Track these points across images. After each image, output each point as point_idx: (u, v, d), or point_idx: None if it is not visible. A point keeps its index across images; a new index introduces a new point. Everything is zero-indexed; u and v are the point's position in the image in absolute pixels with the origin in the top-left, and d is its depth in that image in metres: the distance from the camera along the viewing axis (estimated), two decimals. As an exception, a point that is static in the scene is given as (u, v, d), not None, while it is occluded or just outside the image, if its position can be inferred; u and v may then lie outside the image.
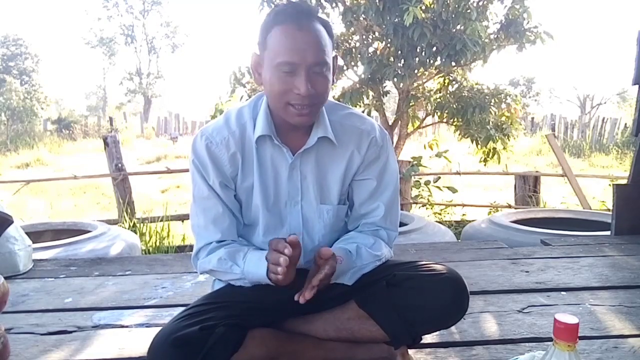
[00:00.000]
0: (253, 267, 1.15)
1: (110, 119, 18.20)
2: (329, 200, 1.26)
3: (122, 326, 1.70)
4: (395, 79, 4.50)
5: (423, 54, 4.40)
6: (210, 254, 1.21)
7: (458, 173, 5.63)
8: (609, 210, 4.01)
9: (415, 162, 4.82)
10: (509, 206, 5.17)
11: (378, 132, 1.28)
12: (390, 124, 5.14)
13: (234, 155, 1.20)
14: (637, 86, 2.87)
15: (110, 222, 3.90)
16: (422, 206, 5.33)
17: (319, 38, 1.10)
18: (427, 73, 4.82)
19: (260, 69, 1.15)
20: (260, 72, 1.16)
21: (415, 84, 4.89)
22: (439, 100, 4.90)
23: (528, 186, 5.30)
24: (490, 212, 5.20)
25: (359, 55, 4.78)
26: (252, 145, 1.20)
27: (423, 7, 4.13)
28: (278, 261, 1.04)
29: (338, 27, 4.92)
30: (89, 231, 3.20)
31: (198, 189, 1.23)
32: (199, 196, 1.23)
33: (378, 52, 4.70)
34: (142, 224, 4.53)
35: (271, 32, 1.10)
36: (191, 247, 4.39)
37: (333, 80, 1.20)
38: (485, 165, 5.08)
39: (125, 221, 4.68)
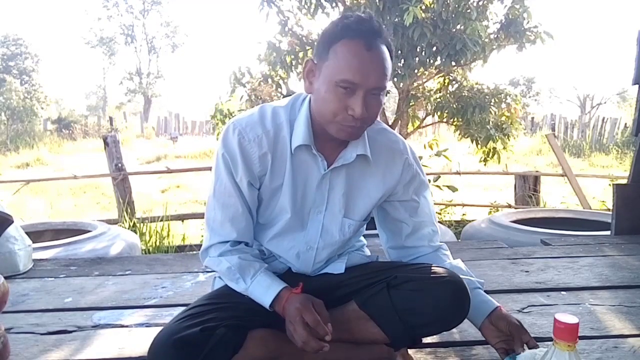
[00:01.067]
0: (259, 292, 1.14)
1: (110, 119, 18.23)
2: (352, 215, 1.26)
3: (122, 326, 1.69)
4: (395, 79, 4.50)
5: (423, 53, 4.40)
6: (221, 256, 1.19)
7: (458, 173, 5.63)
8: (609, 210, 4.01)
9: (415, 162, 4.81)
10: (509, 206, 5.17)
11: (410, 152, 1.29)
12: (390, 123, 5.13)
13: (264, 155, 1.17)
14: (637, 86, 2.87)
15: (110, 222, 3.90)
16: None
17: (384, 62, 1.07)
18: (427, 73, 4.82)
19: (314, 77, 1.12)
20: (312, 81, 1.13)
21: (415, 84, 4.89)
22: (439, 100, 4.89)
23: (528, 186, 5.30)
24: (490, 212, 5.20)
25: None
26: (286, 148, 1.18)
27: (423, 7, 4.13)
28: (320, 348, 1.05)
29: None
30: (89, 231, 3.20)
31: (221, 183, 1.19)
32: (220, 191, 1.20)
33: (378, 52, 4.69)
34: (142, 224, 4.53)
35: (337, 45, 1.07)
36: (191, 247, 4.38)
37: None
38: (485, 165, 5.08)
39: (125, 221, 4.68)
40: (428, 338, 1.45)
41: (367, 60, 1.05)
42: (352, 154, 1.19)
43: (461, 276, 1.25)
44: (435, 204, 5.32)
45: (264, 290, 1.14)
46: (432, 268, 1.21)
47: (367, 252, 1.42)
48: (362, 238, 1.42)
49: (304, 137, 1.15)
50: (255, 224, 1.26)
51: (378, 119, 1.23)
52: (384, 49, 1.08)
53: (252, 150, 1.16)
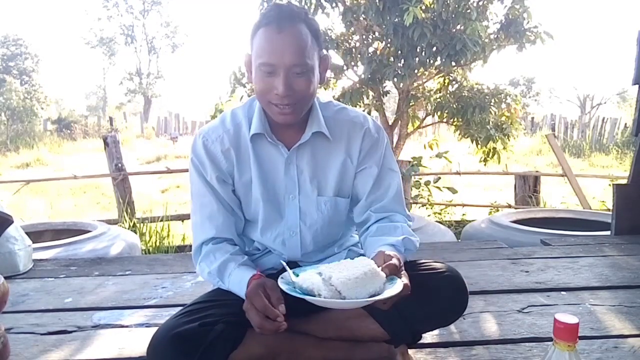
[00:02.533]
0: (238, 289, 1.16)
1: (110, 119, 18.22)
2: (325, 192, 1.28)
3: (122, 326, 1.70)
4: (395, 79, 4.50)
5: (423, 54, 4.40)
6: (203, 262, 1.23)
7: (458, 173, 5.63)
8: (609, 210, 4.01)
9: (415, 162, 4.82)
10: (509, 206, 5.17)
11: (371, 124, 1.31)
12: (390, 124, 5.14)
13: (228, 151, 1.25)
14: (637, 86, 2.88)
15: (110, 222, 3.90)
16: (422, 206, 5.33)
17: (298, 40, 1.12)
18: (427, 73, 4.82)
19: (251, 68, 1.19)
20: (251, 71, 1.20)
21: (415, 84, 4.89)
22: (439, 100, 4.89)
23: (528, 186, 5.30)
24: (490, 212, 5.20)
25: (359, 55, 4.77)
26: (247, 142, 1.25)
27: (423, 7, 4.13)
28: (276, 329, 1.04)
29: (338, 27, 4.92)
30: (89, 231, 3.20)
31: (195, 186, 1.27)
32: (196, 194, 1.27)
33: (378, 52, 4.69)
34: (142, 224, 4.53)
35: (256, 34, 1.15)
36: (191, 247, 4.39)
37: (323, 79, 1.23)
38: (485, 165, 5.08)
39: (125, 221, 4.68)
40: (428, 338, 1.45)
41: (279, 42, 1.12)
42: (308, 133, 1.24)
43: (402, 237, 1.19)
44: (435, 204, 5.33)
45: (238, 286, 1.16)
46: (431, 264, 1.22)
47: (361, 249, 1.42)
48: (355, 235, 1.43)
49: (257, 127, 1.23)
50: (245, 222, 1.31)
51: (361, 110, 1.24)
52: (300, 28, 1.13)
53: (215, 149, 1.25)
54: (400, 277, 1.06)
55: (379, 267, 1.04)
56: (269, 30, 1.12)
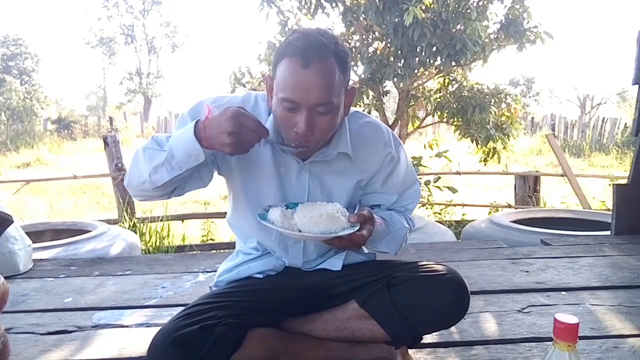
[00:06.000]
0: (180, 139, 1.05)
1: (110, 119, 18.22)
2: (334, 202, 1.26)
3: (122, 326, 1.70)
4: (395, 79, 4.50)
5: (423, 53, 4.40)
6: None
7: (458, 173, 5.63)
8: (609, 210, 4.01)
9: (415, 162, 4.82)
10: (509, 206, 5.17)
11: (393, 144, 1.28)
12: (390, 123, 5.13)
13: None
14: (637, 86, 2.88)
15: (110, 222, 3.90)
16: (422, 206, 5.33)
17: (324, 78, 1.05)
18: (427, 73, 4.82)
19: (272, 93, 1.13)
20: (272, 95, 1.14)
21: (415, 84, 4.89)
22: (439, 100, 4.89)
23: (528, 186, 5.30)
24: (490, 212, 5.20)
25: (359, 55, 4.77)
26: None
27: (423, 7, 4.12)
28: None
29: (338, 27, 4.92)
30: (89, 231, 3.20)
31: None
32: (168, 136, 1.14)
33: (378, 52, 4.69)
34: (142, 224, 4.53)
35: (280, 63, 1.07)
36: (191, 247, 4.36)
37: (347, 112, 1.18)
38: (485, 165, 5.07)
39: (125, 221, 4.68)
40: (428, 338, 1.45)
41: (303, 78, 1.04)
42: (333, 152, 1.20)
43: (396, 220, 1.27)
44: (435, 204, 5.33)
45: (182, 134, 1.05)
46: (432, 266, 1.22)
47: (364, 249, 1.41)
48: None
49: (269, 132, 1.15)
50: (249, 219, 1.25)
51: (366, 113, 1.23)
52: (328, 63, 1.06)
53: None
54: (364, 228, 1.10)
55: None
56: (293, 63, 1.04)
